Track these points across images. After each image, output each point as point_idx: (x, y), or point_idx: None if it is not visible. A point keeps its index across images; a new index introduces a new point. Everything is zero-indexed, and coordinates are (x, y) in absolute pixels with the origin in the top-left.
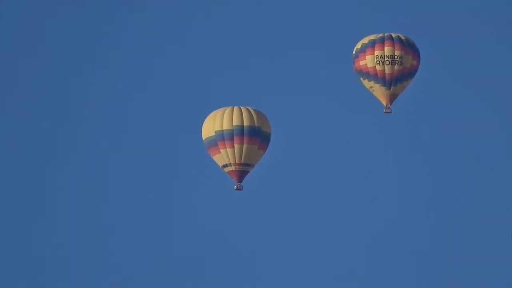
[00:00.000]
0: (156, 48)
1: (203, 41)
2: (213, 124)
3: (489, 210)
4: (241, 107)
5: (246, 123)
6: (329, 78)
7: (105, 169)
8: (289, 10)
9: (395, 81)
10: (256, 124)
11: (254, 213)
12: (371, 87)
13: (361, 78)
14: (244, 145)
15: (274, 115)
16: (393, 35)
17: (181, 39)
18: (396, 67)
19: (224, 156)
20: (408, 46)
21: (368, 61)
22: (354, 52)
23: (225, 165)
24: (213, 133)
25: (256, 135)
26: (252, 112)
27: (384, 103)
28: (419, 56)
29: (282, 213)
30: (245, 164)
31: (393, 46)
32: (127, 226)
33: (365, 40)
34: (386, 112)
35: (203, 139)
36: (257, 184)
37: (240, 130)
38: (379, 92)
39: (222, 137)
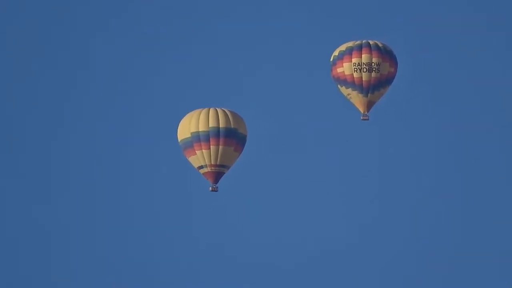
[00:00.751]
0: (132, 50)
1: (179, 42)
2: (189, 125)
3: (472, 211)
4: (217, 108)
5: (222, 124)
6: (307, 85)
7: (84, 171)
8: (267, 14)
9: (373, 88)
10: (232, 126)
11: (230, 215)
12: (348, 94)
13: (339, 85)
14: (220, 147)
15: (250, 117)
16: (371, 42)
17: (157, 41)
18: (373, 74)
19: (199, 158)
20: (386, 53)
21: (345, 68)
22: (331, 59)
23: (201, 167)
24: (189, 135)
25: (232, 137)
26: (228, 114)
27: (362, 110)
28: (396, 63)
29: (257, 214)
30: (220, 166)
31: (371, 54)
32: (105, 229)
33: (343, 47)
34: (363, 119)
35: (179, 140)
36: (232, 186)
37: (216, 132)
38: (356, 99)
39: (198, 139)
